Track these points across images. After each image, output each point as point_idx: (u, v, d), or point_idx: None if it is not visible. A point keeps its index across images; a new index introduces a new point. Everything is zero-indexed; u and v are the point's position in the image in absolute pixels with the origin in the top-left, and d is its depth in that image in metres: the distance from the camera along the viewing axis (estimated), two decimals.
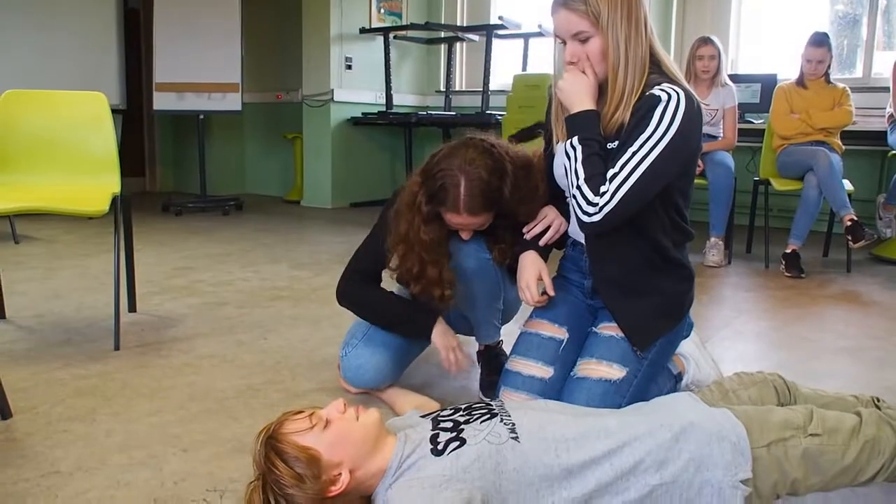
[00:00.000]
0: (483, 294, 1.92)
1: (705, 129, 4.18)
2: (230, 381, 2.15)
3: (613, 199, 1.53)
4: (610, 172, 1.55)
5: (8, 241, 4.40)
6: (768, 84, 4.84)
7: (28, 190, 2.58)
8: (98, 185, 2.62)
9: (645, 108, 1.56)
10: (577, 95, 1.62)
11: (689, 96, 1.56)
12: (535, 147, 1.92)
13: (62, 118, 2.74)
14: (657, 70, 1.63)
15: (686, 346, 1.92)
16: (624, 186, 1.53)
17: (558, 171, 1.77)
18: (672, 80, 1.60)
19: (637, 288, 1.71)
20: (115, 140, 2.73)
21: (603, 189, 1.54)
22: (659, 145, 1.53)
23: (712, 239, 4.09)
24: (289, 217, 5.94)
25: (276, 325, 2.75)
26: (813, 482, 1.32)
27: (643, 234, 1.66)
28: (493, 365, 2.03)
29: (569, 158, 1.61)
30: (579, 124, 1.61)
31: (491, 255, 1.89)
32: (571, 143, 1.61)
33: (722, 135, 4.24)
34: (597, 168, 1.56)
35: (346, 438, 1.30)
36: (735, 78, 4.93)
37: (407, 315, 1.97)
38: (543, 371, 1.73)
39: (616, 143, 1.60)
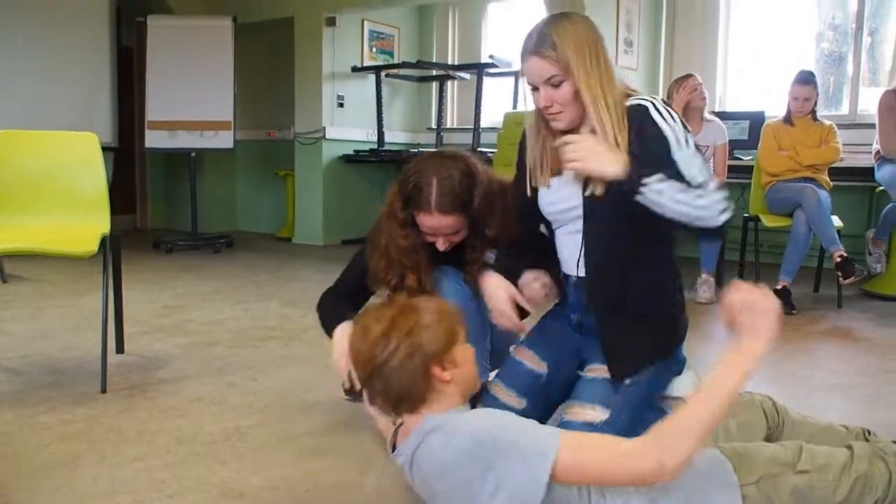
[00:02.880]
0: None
1: None
2: (218, 424, 2.12)
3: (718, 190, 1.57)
4: (695, 182, 1.55)
5: None
6: (756, 121, 4.90)
7: (18, 230, 2.57)
8: (88, 226, 2.61)
9: (638, 120, 1.59)
10: (600, 157, 1.55)
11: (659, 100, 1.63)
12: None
13: (53, 159, 2.74)
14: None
15: (684, 390, 1.90)
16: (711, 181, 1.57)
17: (548, 205, 1.78)
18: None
19: (630, 314, 1.71)
20: (105, 180, 2.73)
21: (711, 186, 1.56)
22: (685, 137, 1.58)
23: (703, 275, 4.10)
24: (280, 254, 5.93)
25: (266, 366, 2.72)
26: None
27: (647, 262, 1.68)
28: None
29: (663, 197, 1.52)
30: (639, 172, 1.53)
31: (465, 277, 1.90)
32: (652, 187, 1.51)
33: (712, 172, 4.27)
34: (688, 187, 1.54)
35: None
36: (723, 115, 4.98)
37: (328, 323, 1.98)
38: (516, 401, 1.75)
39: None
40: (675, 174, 1.53)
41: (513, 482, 1.18)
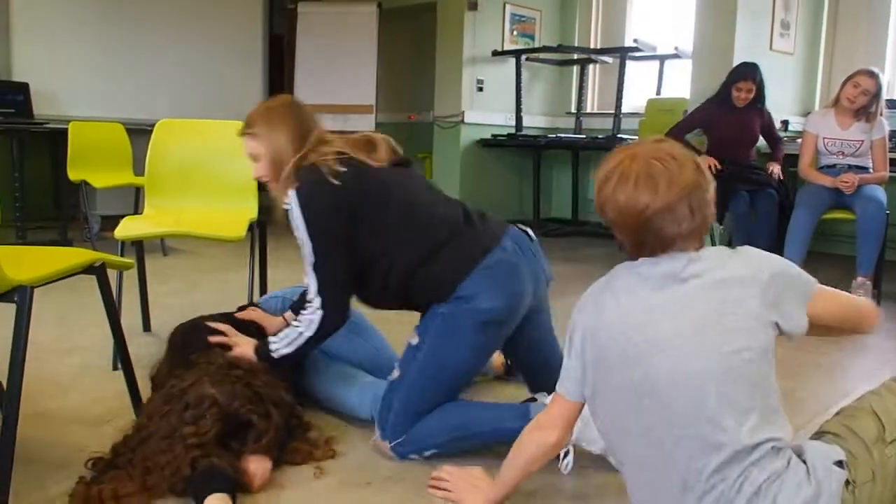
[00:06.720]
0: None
1: (848, 160, 3.93)
2: None
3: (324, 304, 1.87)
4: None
5: (157, 253, 4.72)
6: None
7: (175, 213, 2.77)
8: (237, 210, 2.77)
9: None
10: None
11: (309, 185, 1.87)
12: None
13: (206, 146, 2.92)
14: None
15: None
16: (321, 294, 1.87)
17: None
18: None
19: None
20: None
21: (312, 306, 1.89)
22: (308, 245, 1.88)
23: (859, 278, 3.80)
24: None
25: None
26: None
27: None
28: None
29: (288, 353, 1.93)
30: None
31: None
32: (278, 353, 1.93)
33: (872, 168, 3.95)
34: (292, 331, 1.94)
35: None
36: (891, 104, 4.60)
37: None
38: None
39: None
40: None
41: None
